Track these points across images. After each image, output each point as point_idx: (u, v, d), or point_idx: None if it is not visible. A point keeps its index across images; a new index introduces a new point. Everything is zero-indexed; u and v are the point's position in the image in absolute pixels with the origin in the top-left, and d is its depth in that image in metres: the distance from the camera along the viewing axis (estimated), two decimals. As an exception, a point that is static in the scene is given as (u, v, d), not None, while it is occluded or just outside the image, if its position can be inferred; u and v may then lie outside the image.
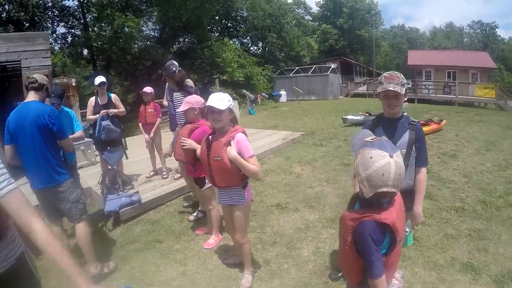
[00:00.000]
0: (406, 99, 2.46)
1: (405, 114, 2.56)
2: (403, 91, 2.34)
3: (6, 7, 17.53)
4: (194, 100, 3.53)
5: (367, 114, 11.69)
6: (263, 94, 22.86)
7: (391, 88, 2.30)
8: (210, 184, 3.61)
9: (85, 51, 20.40)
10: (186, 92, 4.40)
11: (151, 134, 5.72)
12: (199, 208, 4.57)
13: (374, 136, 1.67)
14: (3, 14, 17.39)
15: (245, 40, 34.26)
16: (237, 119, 2.88)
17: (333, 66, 29.07)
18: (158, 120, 5.75)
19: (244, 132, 2.75)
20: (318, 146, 8.19)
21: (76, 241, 3.35)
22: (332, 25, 45.91)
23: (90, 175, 6.06)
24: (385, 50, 56.87)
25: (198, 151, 3.17)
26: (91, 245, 3.32)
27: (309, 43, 37.31)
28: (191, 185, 4.55)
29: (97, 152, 5.32)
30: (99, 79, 5.07)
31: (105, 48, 18.31)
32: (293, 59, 33.98)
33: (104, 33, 18.43)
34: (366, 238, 1.56)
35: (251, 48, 34.41)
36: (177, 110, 4.05)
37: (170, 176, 5.80)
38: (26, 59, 7.00)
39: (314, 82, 27.08)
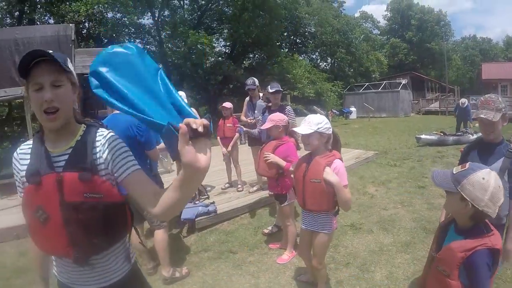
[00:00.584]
0: (505, 123, 2.29)
1: (506, 140, 2.36)
2: (497, 118, 2.18)
3: (86, 24, 19.33)
4: (278, 118, 3.58)
5: (442, 134, 11.01)
6: (334, 111, 22.57)
7: (483, 116, 2.20)
8: (292, 201, 3.67)
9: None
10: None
11: (229, 148, 5.84)
12: (275, 223, 4.60)
13: (460, 166, 1.64)
14: (83, 30, 19.13)
15: (314, 56, 34.36)
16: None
17: (403, 81, 28.12)
18: (237, 135, 5.87)
19: (341, 159, 2.65)
20: (391, 166, 7.89)
21: (154, 244, 3.52)
22: (400, 38, 44.38)
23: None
24: (456, 63, 53.14)
25: (282, 164, 3.27)
26: (167, 250, 3.46)
27: (378, 58, 36.46)
28: None
29: (172, 161, 5.49)
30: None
31: (179, 63, 19.26)
32: (362, 74, 33.35)
33: (178, 49, 19.46)
34: (484, 267, 1.51)
35: (320, 64, 34.36)
36: (261, 127, 4.18)
37: (245, 190, 5.89)
38: None
39: (385, 98, 26.26)
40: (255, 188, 5.80)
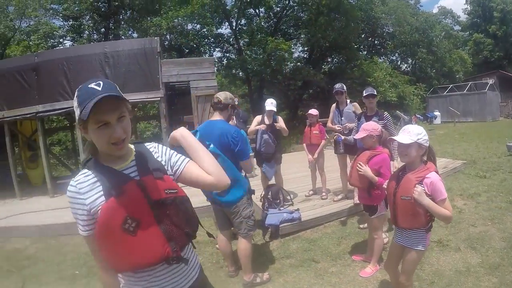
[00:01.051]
0: None
1: None
2: None
3: (168, 36, 20.74)
4: (371, 127, 3.50)
5: (537, 142, 9.95)
6: (418, 116, 21.44)
7: None
8: (382, 213, 3.63)
9: (240, 73, 22.43)
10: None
11: (315, 155, 5.86)
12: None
13: None
14: (165, 42, 20.47)
15: (393, 58, 32.88)
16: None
17: (490, 82, 25.58)
18: (323, 142, 5.88)
19: (437, 172, 2.53)
20: (481, 177, 7.35)
21: (237, 250, 3.64)
22: (484, 33, 39.41)
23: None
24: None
25: (375, 180, 3.32)
26: (249, 258, 3.55)
27: (461, 56, 33.71)
28: None
29: (256, 166, 5.63)
30: (271, 105, 5.37)
31: (259, 70, 19.79)
32: (445, 75, 31.22)
33: (257, 56, 20.02)
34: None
35: (401, 66, 32.84)
36: (354, 137, 4.15)
37: (329, 198, 5.90)
38: (194, 80, 8.22)
39: (471, 101, 24.24)
40: (340, 197, 5.77)
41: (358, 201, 5.16)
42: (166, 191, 1.44)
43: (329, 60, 25.27)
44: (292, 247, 4.50)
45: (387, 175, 3.26)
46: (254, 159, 5.43)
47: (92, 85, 1.32)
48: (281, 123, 5.47)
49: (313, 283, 3.62)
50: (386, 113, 4.67)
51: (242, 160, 3.31)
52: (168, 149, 1.61)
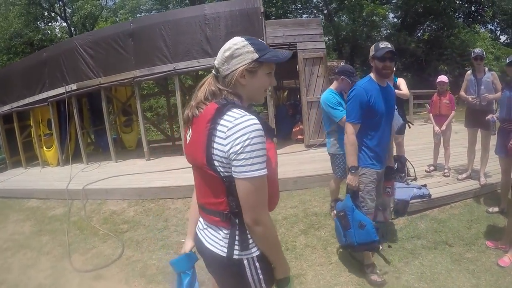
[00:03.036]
0: None
1: None
2: None
3: None
4: None
5: None
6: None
7: None
8: None
9: (329, 40, 21.33)
10: None
11: (443, 127, 5.37)
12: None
13: None
14: None
15: (492, 27, 28.95)
16: None
17: None
18: (453, 113, 5.40)
19: None
20: None
21: None
22: None
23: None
24: None
25: None
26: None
27: None
28: None
29: None
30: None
31: (351, 36, 18.87)
32: (550, 50, 26.86)
33: (349, 22, 18.96)
34: None
35: (501, 37, 28.90)
36: None
37: (452, 176, 5.31)
38: (301, 42, 7.70)
39: None
40: (464, 175, 5.15)
41: (485, 182, 4.83)
42: None
43: (422, 27, 23.12)
44: (421, 226, 4.08)
45: None
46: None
47: (259, 40, 1.49)
48: (401, 86, 4.86)
49: (451, 269, 3.33)
50: None
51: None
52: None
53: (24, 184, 7.54)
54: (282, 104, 10.46)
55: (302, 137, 8.39)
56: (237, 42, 1.41)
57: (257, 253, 1.43)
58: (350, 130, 2.92)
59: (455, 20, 22.04)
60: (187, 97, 9.62)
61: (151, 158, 8.24)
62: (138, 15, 21.77)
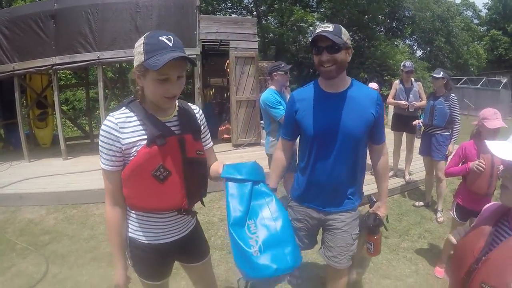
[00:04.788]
0: None
1: None
2: None
3: None
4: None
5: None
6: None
7: None
8: None
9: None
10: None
11: None
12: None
13: None
14: None
15: (410, 42, 31.86)
16: None
17: (504, 80, 25.20)
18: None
19: None
20: None
21: None
22: (502, 31, 39.13)
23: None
24: None
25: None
26: None
27: (477, 50, 33.10)
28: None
29: None
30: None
31: (276, 39, 19.49)
32: (459, 67, 30.54)
33: (277, 25, 19.57)
34: None
35: (417, 51, 31.99)
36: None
37: None
38: (234, 40, 7.58)
39: (483, 96, 23.77)
40: (390, 174, 5.47)
41: (410, 179, 5.47)
42: (197, 152, 1.62)
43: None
44: None
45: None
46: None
47: (163, 38, 1.37)
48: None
49: (390, 259, 3.60)
50: (453, 94, 4.49)
51: None
52: (205, 121, 1.78)
53: None
54: (209, 103, 10.28)
55: (228, 136, 8.28)
56: (139, 40, 1.42)
57: (129, 234, 1.67)
58: (278, 145, 2.33)
59: (377, 33, 23.67)
60: (108, 91, 8.93)
61: (68, 157, 7.41)
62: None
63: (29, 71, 7.22)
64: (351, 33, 22.76)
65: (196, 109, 1.73)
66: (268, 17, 20.53)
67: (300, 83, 20.75)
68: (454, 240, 1.53)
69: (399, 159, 5.64)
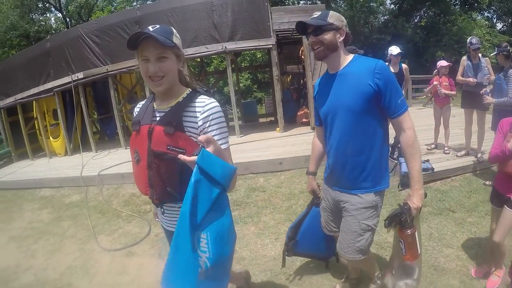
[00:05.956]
0: None
1: None
2: None
3: None
4: None
5: None
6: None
7: None
8: None
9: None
10: None
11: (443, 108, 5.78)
12: None
13: None
14: None
15: (488, 15, 29.05)
16: None
17: None
18: (454, 92, 5.71)
19: None
20: None
21: None
22: None
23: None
24: None
25: None
26: None
27: None
28: None
29: None
30: (396, 49, 5.28)
31: (347, 22, 18.79)
32: (546, 39, 27.07)
33: (346, 8, 19.15)
34: None
35: (497, 24, 29.00)
36: None
37: (451, 153, 5.67)
38: None
39: None
40: (462, 153, 5.54)
41: (481, 158, 5.16)
42: (169, 147, 1.53)
43: (420, 14, 23.10)
44: (427, 196, 4.27)
45: None
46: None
47: (150, 27, 1.50)
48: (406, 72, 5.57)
49: (455, 231, 3.70)
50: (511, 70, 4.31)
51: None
52: (219, 120, 1.59)
53: (34, 174, 7.70)
54: (287, 89, 10.72)
55: (307, 120, 8.68)
56: None
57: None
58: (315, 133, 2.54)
59: (452, 7, 22.17)
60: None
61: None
62: (134, 3, 21.73)
63: (122, 71, 8.26)
64: (424, 8, 21.76)
65: (203, 103, 1.58)
66: (337, 0, 20.03)
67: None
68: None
69: (471, 137, 5.55)
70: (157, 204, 1.73)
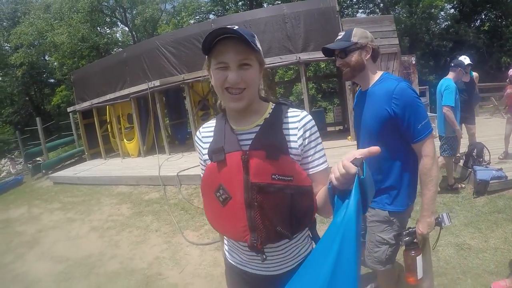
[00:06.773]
0: None
1: None
2: None
3: None
4: None
5: None
6: None
7: None
8: None
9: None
10: None
11: None
12: None
13: None
14: None
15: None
16: None
17: None
18: None
19: None
20: None
21: None
22: None
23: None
24: None
25: None
26: None
27: None
28: None
29: None
30: (466, 59, 5.18)
31: (408, 29, 18.69)
32: None
33: (406, 14, 18.92)
34: None
35: None
36: None
37: None
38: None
39: None
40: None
41: None
42: (274, 176, 1.18)
43: (481, 17, 21.88)
44: (500, 203, 4.43)
45: None
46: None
47: (228, 26, 1.14)
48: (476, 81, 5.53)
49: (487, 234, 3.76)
50: None
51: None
52: (317, 135, 1.29)
53: (110, 172, 8.42)
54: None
55: None
56: None
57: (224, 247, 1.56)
58: None
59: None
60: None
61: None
62: (197, 16, 22.86)
63: (197, 80, 8.83)
64: (485, 12, 20.74)
65: (297, 117, 1.27)
66: (396, 7, 19.86)
67: (437, 73, 19.54)
68: None
69: None
70: (258, 250, 1.25)
